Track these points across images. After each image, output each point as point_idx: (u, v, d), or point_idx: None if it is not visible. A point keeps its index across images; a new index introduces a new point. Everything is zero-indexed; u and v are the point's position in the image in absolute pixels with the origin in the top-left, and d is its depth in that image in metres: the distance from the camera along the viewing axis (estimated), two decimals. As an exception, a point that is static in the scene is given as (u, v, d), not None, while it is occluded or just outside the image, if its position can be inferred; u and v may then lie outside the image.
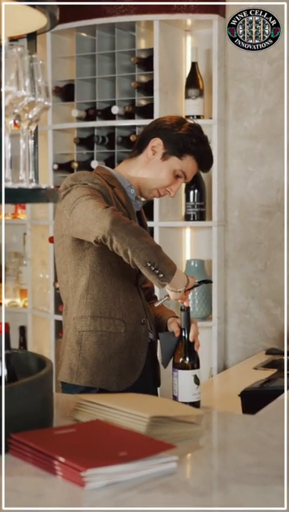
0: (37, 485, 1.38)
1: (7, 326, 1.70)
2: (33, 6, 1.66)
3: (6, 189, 1.48)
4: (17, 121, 1.68)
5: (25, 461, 1.48)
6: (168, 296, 2.38)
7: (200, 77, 3.72)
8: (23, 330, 4.32)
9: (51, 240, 3.91)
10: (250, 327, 3.75)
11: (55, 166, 3.91)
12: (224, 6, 3.69)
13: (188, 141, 2.48)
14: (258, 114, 3.69)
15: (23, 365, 1.85)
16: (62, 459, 1.39)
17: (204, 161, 2.54)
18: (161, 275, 2.19)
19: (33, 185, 1.64)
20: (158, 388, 2.66)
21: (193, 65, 3.73)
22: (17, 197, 1.54)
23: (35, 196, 1.60)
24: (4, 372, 1.68)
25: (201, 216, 3.73)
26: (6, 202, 1.47)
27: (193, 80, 3.71)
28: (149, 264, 2.18)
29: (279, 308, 3.67)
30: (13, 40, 1.96)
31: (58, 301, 3.95)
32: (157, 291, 2.84)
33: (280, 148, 3.64)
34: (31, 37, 1.85)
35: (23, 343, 4.30)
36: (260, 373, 3.11)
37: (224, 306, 3.77)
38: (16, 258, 4.34)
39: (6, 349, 1.69)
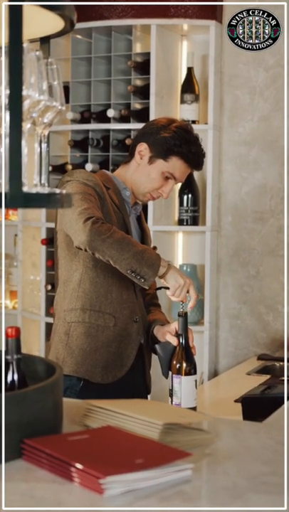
0: (54, 491, 1.37)
1: (18, 330, 1.69)
2: (50, 9, 1.65)
3: (24, 194, 1.47)
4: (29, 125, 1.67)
5: (40, 467, 1.47)
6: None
7: (196, 83, 3.72)
8: (12, 332, 4.29)
9: (44, 241, 3.90)
10: (241, 332, 3.76)
11: (49, 168, 3.89)
12: (221, 11, 3.71)
13: (171, 143, 2.52)
14: (253, 120, 3.71)
15: (30, 369, 1.83)
16: (79, 466, 1.38)
17: (190, 160, 2.57)
18: (142, 280, 2.32)
19: (47, 189, 1.64)
20: (148, 395, 2.67)
21: (189, 70, 3.74)
22: (34, 202, 1.53)
23: (50, 201, 1.59)
24: (15, 377, 1.67)
25: (195, 221, 3.74)
26: (24, 207, 1.46)
27: (189, 85, 3.72)
28: (130, 272, 2.31)
29: (271, 314, 3.68)
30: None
31: (49, 303, 3.94)
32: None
33: (274, 154, 3.65)
34: (45, 40, 1.84)
35: (11, 345, 4.27)
36: (253, 379, 3.13)
37: (216, 311, 3.78)
38: (6, 260, 4.31)
39: (16, 354, 1.68)
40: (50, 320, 3.93)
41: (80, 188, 2.40)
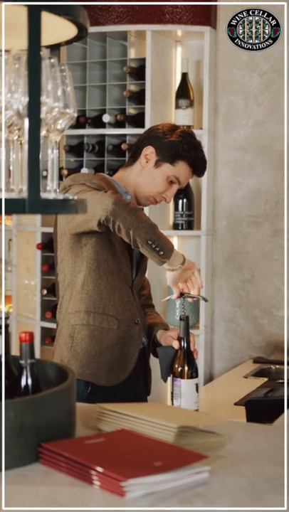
0: (76, 494, 1.38)
1: (32, 335, 1.70)
2: (61, 15, 1.66)
3: (42, 200, 1.49)
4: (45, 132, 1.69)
5: (58, 471, 1.49)
6: (173, 295, 2.52)
7: (190, 88, 3.75)
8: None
9: (39, 246, 3.91)
10: (236, 336, 3.79)
11: (44, 173, 3.89)
12: (216, 17, 3.74)
13: (179, 148, 2.54)
14: (248, 125, 3.74)
15: (41, 373, 1.85)
16: (100, 469, 1.40)
17: (196, 166, 2.60)
18: (162, 252, 2.32)
19: (61, 195, 1.65)
20: (147, 397, 2.69)
21: (184, 75, 3.77)
22: (51, 208, 1.55)
23: (66, 207, 1.61)
24: (29, 381, 1.68)
25: (190, 225, 3.76)
26: (42, 213, 1.47)
27: (183, 91, 3.75)
28: (150, 242, 2.30)
29: (266, 317, 3.71)
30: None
31: (44, 307, 3.95)
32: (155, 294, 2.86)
33: (268, 159, 3.69)
34: (55, 47, 1.85)
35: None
36: (251, 382, 3.16)
37: (211, 315, 3.81)
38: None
39: (30, 358, 1.69)
40: (45, 324, 3.94)
41: (85, 188, 2.41)
